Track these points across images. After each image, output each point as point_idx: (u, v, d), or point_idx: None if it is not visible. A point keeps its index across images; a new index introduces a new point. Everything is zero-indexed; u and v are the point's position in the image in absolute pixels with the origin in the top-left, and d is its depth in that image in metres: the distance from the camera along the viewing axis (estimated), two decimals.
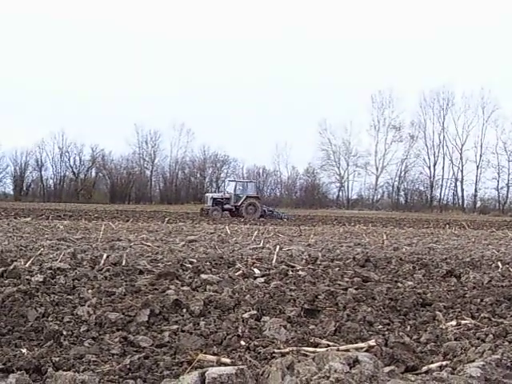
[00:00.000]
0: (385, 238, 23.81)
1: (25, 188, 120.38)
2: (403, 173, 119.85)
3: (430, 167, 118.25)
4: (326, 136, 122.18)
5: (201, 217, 50.02)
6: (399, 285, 10.17)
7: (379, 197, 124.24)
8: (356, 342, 6.08)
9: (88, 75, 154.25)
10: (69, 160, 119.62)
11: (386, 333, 6.65)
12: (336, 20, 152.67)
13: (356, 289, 9.34)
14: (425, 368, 5.31)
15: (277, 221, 48.30)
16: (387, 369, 4.68)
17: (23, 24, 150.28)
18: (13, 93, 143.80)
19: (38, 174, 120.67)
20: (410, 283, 10.42)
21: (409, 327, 7.14)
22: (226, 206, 55.67)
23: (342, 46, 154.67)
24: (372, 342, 5.71)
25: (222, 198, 56.43)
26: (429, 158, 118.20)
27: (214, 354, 5.52)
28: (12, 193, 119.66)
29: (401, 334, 6.42)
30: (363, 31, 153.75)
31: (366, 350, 5.40)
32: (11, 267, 10.16)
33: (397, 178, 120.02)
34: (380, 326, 7.09)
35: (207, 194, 62.19)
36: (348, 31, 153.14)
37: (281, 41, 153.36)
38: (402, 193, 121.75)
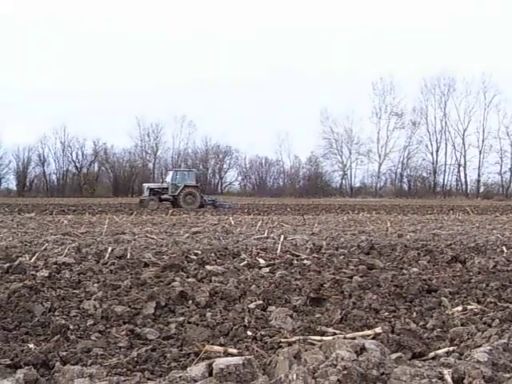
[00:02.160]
0: (389, 225, 23.82)
1: (28, 183, 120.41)
2: (406, 159, 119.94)
3: (432, 153, 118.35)
4: (328, 124, 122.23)
5: (139, 208, 47.38)
6: (404, 271, 10.16)
7: (382, 184, 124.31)
8: (362, 330, 6.09)
9: (88, 69, 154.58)
10: (71, 154, 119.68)
11: (393, 320, 6.65)
12: (336, 6, 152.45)
13: (361, 276, 9.34)
14: (432, 354, 5.32)
15: (220, 210, 46.99)
16: (394, 355, 4.68)
17: (22, 22, 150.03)
18: (13, 89, 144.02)
19: (40, 170, 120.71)
20: (415, 270, 10.41)
21: (415, 314, 7.14)
22: (164, 197, 53.56)
23: (343, 32, 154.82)
24: (378, 330, 5.72)
25: (160, 188, 54.44)
26: (431, 144, 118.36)
27: (220, 345, 5.53)
28: (15, 188, 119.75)
29: (407, 320, 6.43)
30: (363, 17, 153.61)
31: (373, 338, 5.41)
32: (16, 263, 10.18)
33: (399, 165, 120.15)
34: (386, 313, 7.09)
35: (144, 184, 59.60)
36: (348, 18, 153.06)
37: (281, 29, 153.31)
38: (405, 179, 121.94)
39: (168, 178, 56.01)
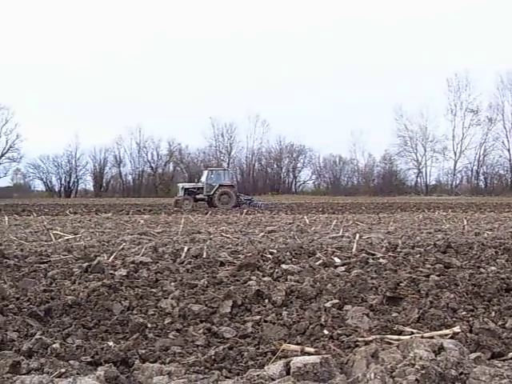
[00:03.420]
0: (465, 223, 23.51)
1: (104, 184, 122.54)
2: (482, 157, 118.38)
3: (509, 150, 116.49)
4: (403, 122, 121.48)
5: (174, 208, 47.48)
6: (482, 270, 10.01)
7: (458, 182, 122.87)
8: (440, 329, 6.02)
9: (163, 71, 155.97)
10: (146, 155, 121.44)
11: (471, 319, 6.56)
12: (407, 2, 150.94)
13: (438, 275, 9.24)
14: (511, 354, 5.24)
15: (254, 209, 46.33)
16: (473, 355, 4.62)
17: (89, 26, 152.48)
18: (90, 93, 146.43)
19: (116, 170, 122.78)
20: (493, 268, 10.24)
21: (493, 313, 7.03)
22: (199, 196, 52.86)
23: (416, 28, 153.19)
24: (457, 329, 5.65)
25: (195, 188, 53.71)
26: (508, 141, 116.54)
27: (297, 344, 5.53)
28: (92, 189, 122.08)
29: (485, 320, 6.33)
30: (436, 12, 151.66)
31: (451, 337, 5.35)
32: (95, 262, 10.36)
33: (476, 163, 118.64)
34: (464, 313, 7.00)
35: (179, 184, 58.99)
36: (420, 13, 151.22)
37: (354, 27, 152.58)
38: (481, 177, 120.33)
39: (203, 178, 55.36)
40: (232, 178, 57.67)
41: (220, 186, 52.83)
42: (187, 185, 56.72)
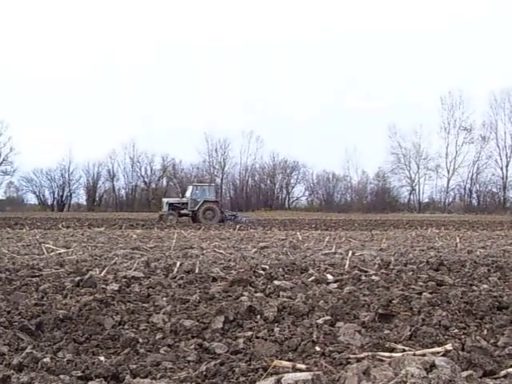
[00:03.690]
0: (458, 241, 23.53)
1: (97, 198, 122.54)
2: (475, 175, 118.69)
3: (502, 168, 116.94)
4: (396, 139, 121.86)
5: (157, 223, 46.81)
6: (474, 288, 10.01)
7: (451, 200, 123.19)
8: (432, 347, 6.01)
9: (156, 86, 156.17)
10: (140, 170, 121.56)
11: (463, 337, 6.55)
12: (402, 19, 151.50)
13: (430, 293, 9.23)
14: (503, 372, 5.23)
15: (239, 224, 45.10)
16: (465, 373, 4.62)
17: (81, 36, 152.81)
18: (84, 106, 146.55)
19: (110, 185, 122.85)
20: (485, 286, 10.25)
21: (485, 331, 7.02)
22: (183, 212, 53.49)
23: (409, 46, 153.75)
24: (449, 347, 5.65)
25: (179, 203, 54.22)
26: (501, 159, 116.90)
27: (289, 360, 5.51)
28: (85, 203, 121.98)
29: (478, 337, 6.33)
30: (430, 30, 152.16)
31: (443, 355, 5.34)
32: (87, 276, 10.33)
33: (469, 180, 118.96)
34: (456, 330, 6.99)
35: (163, 199, 58.93)
36: (414, 30, 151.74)
37: (348, 42, 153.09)
38: (474, 195, 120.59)
39: (187, 193, 55.73)
40: (217, 193, 57.37)
41: (204, 201, 52.98)
42: (172, 200, 57.02)
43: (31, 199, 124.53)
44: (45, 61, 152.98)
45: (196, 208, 52.52)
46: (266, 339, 6.47)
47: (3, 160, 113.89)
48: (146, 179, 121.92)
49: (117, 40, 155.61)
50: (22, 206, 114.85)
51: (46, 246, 18.51)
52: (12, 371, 4.96)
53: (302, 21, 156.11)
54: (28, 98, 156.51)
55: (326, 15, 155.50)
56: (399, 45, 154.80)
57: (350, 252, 15.89)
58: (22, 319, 7.13)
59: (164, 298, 8.82)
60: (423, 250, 19.21)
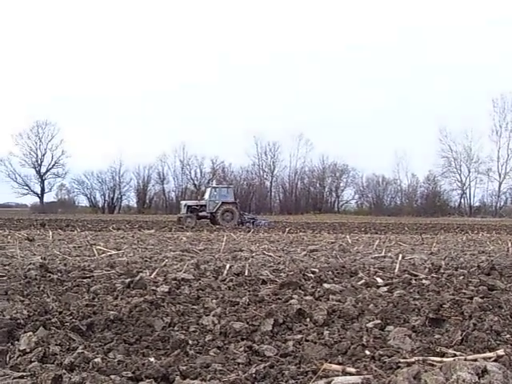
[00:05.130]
0: (510, 245, 23.20)
1: (148, 201, 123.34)
2: None
3: None
4: (447, 143, 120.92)
5: (177, 225, 46.71)
6: None
7: (502, 203, 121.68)
8: (483, 352, 5.94)
9: (208, 90, 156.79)
10: (190, 173, 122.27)
11: None
12: (452, 20, 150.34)
13: (482, 297, 9.12)
14: None
15: (256, 228, 45.40)
16: None
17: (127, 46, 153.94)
18: (135, 109, 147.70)
19: (160, 187, 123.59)
20: None
21: None
22: (202, 214, 52.87)
23: (460, 49, 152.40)
24: (500, 352, 5.57)
25: (197, 205, 53.56)
26: None
27: (338, 364, 5.49)
28: (135, 206, 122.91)
29: None
30: (481, 31, 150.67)
31: (495, 360, 5.27)
32: (137, 278, 10.38)
33: None
34: (508, 336, 6.89)
35: (181, 201, 59.36)
36: (464, 32, 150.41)
37: (397, 45, 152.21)
38: None
39: (206, 195, 55.27)
40: (235, 195, 56.93)
41: (223, 203, 52.59)
42: (190, 202, 56.68)
43: (82, 201, 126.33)
44: (97, 66, 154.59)
45: (214, 210, 52.27)
46: (315, 342, 6.45)
47: (55, 163, 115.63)
48: (195, 182, 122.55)
49: (167, 48, 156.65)
50: (74, 208, 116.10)
51: (97, 247, 18.69)
52: (64, 371, 5.01)
53: (356, 24, 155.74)
54: (80, 101, 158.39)
55: (385, 16, 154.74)
56: (449, 47, 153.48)
57: (400, 256, 15.79)
58: (74, 320, 7.19)
59: (214, 300, 8.84)
60: (474, 255, 19.00)
